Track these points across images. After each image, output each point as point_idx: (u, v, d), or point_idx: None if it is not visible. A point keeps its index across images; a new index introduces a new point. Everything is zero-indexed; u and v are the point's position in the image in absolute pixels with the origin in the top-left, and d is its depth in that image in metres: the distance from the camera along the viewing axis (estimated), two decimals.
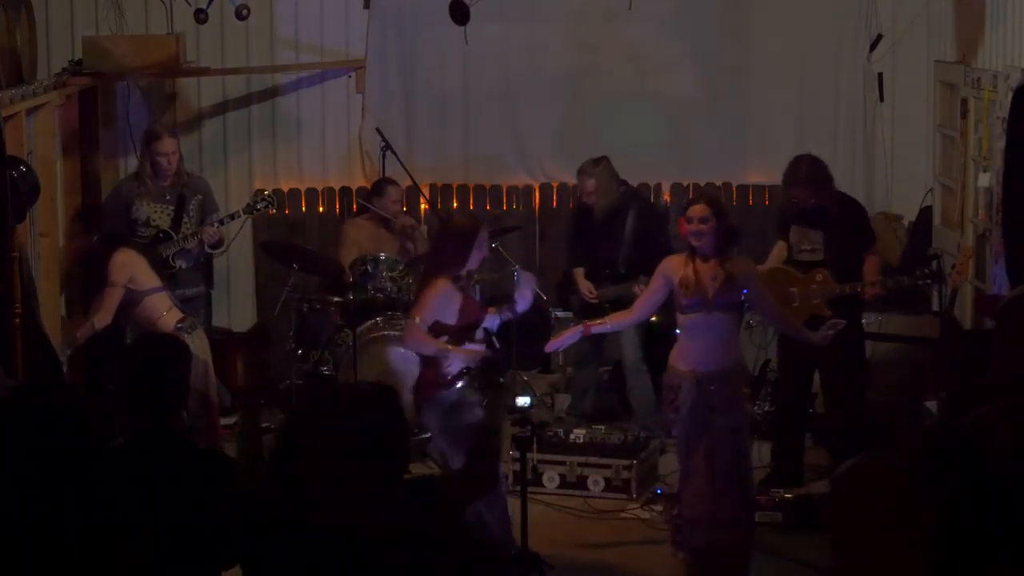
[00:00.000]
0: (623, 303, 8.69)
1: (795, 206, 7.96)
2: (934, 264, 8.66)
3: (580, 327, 7.11)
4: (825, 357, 7.57)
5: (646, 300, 6.92)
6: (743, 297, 6.67)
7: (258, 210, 8.98)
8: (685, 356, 6.68)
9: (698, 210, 6.66)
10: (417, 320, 6.57)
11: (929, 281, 7.94)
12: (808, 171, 7.90)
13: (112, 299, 7.55)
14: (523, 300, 6.83)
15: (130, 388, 4.31)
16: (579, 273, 8.94)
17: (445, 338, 6.57)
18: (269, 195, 9.11)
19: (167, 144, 8.66)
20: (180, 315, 7.72)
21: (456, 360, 6.54)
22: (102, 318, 7.58)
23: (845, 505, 3.21)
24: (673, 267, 6.73)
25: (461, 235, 6.67)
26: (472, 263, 6.67)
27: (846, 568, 3.19)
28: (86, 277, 8.06)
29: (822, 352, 7.24)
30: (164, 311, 7.61)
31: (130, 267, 7.62)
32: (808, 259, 7.90)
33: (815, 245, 7.90)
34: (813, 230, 7.89)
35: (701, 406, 6.59)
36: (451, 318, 6.56)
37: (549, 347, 7.34)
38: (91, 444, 3.84)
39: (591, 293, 8.81)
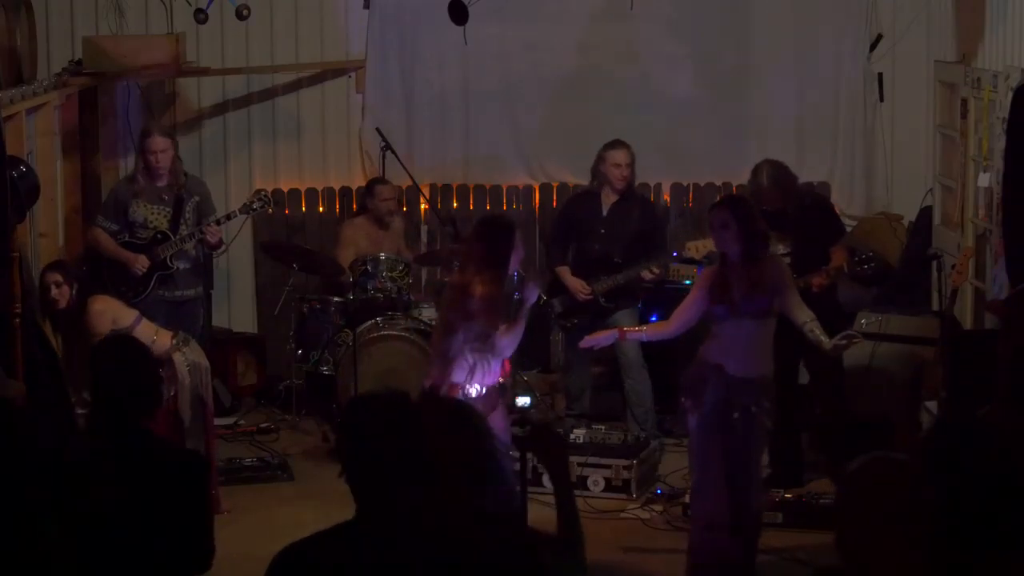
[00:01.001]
0: (618, 293, 8.68)
1: (765, 212, 7.94)
2: (933, 264, 8.66)
3: (615, 331, 7.12)
4: (805, 356, 7.59)
5: (684, 311, 6.78)
6: (773, 302, 6.60)
7: (255, 210, 8.97)
8: (715, 354, 6.62)
9: (717, 215, 6.62)
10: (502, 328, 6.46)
11: (866, 267, 7.86)
12: (771, 177, 7.90)
13: None
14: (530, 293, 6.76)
15: (102, 392, 4.30)
16: (564, 272, 8.80)
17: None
18: (266, 195, 9.11)
19: (157, 142, 8.62)
20: (169, 333, 7.72)
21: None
22: None
23: (851, 504, 3.21)
24: (707, 275, 6.72)
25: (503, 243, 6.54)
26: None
27: (850, 567, 3.18)
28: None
29: (800, 351, 7.20)
30: (154, 336, 7.59)
31: (109, 313, 7.66)
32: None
33: (788, 248, 7.91)
34: (783, 232, 7.88)
35: (724, 405, 6.55)
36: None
37: (584, 343, 7.20)
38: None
39: (584, 290, 8.73)
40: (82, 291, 7.70)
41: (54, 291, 7.64)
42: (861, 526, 3.15)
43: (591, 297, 8.68)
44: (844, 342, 6.84)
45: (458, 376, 6.48)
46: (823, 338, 6.78)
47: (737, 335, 6.55)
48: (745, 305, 6.51)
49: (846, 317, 8.66)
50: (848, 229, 9.84)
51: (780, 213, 7.88)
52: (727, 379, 6.54)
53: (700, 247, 8.38)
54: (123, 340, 5.38)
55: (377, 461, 3.38)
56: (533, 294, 6.61)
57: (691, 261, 9.22)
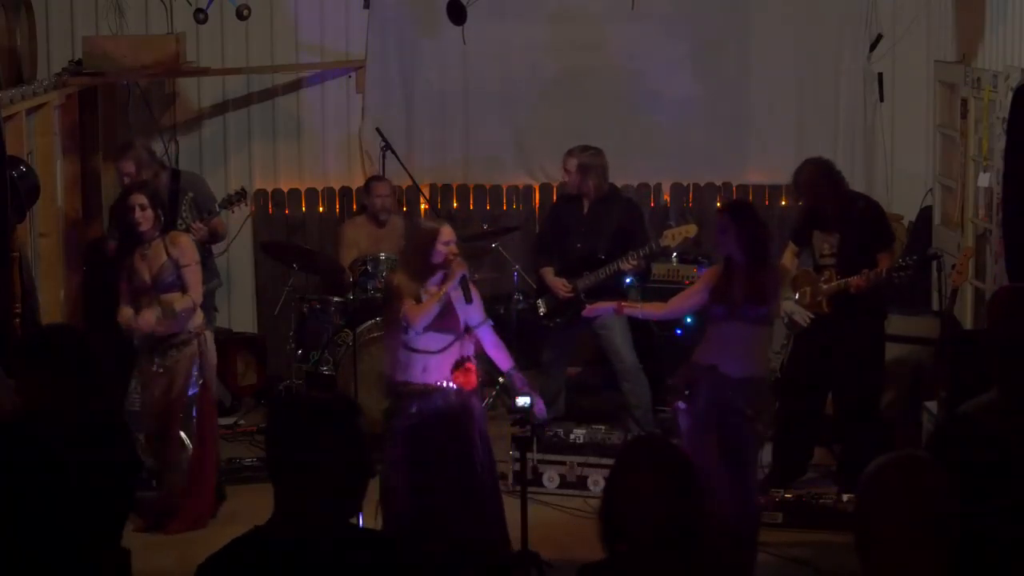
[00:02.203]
0: (600, 290, 8.67)
1: (811, 211, 7.95)
2: (933, 264, 8.66)
3: (613, 304, 7.38)
4: (842, 375, 7.64)
5: (682, 299, 6.97)
6: (771, 310, 6.68)
7: (233, 202, 8.89)
8: (709, 355, 6.66)
9: (718, 219, 6.75)
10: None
11: (903, 274, 7.85)
12: (807, 177, 7.90)
13: (199, 274, 7.58)
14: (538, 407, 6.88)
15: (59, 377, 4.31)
16: (547, 272, 8.79)
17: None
18: (243, 190, 9.05)
19: (123, 166, 8.67)
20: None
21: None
22: (198, 295, 7.55)
23: (872, 504, 3.15)
24: (711, 274, 6.81)
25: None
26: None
27: (871, 570, 3.13)
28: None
29: (839, 371, 7.35)
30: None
31: (196, 247, 7.71)
32: (828, 263, 7.88)
33: (833, 248, 7.90)
34: (829, 234, 7.88)
35: (717, 406, 6.58)
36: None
37: (587, 312, 7.55)
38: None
39: (566, 288, 8.70)
40: (165, 228, 7.64)
41: (138, 213, 7.49)
42: (883, 527, 3.10)
43: (572, 295, 8.69)
44: (787, 323, 6.97)
45: (408, 373, 6.68)
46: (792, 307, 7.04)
47: (733, 337, 6.58)
48: (745, 310, 6.55)
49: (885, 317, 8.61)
50: None
51: (822, 211, 7.86)
52: (721, 380, 6.56)
53: (676, 235, 8.40)
54: (63, 328, 5.45)
55: (300, 466, 3.36)
56: (456, 276, 6.73)
57: (695, 261, 9.23)
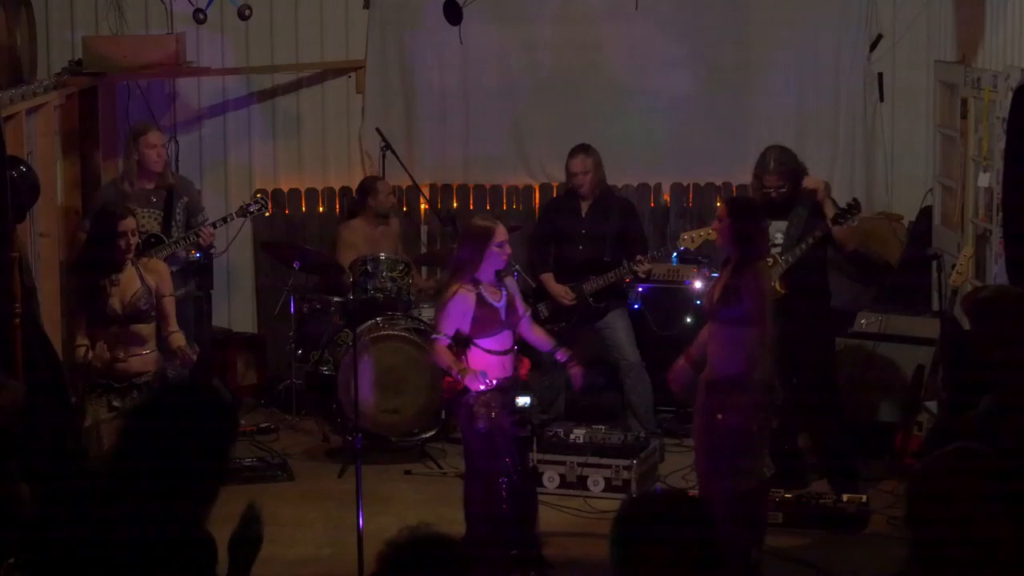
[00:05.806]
0: (608, 293, 8.67)
1: (765, 200, 7.90)
2: (933, 264, 8.66)
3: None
4: (794, 358, 7.59)
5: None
6: (743, 312, 6.52)
7: (252, 212, 8.93)
8: (705, 354, 6.71)
9: (718, 209, 6.79)
10: (434, 336, 6.76)
11: (845, 218, 7.83)
12: (777, 159, 7.89)
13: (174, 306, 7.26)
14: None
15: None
16: (548, 278, 8.78)
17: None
18: (263, 197, 9.08)
19: (155, 136, 8.58)
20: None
21: (474, 379, 6.65)
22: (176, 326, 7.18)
23: (927, 498, 3.12)
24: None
25: (473, 238, 6.75)
26: (488, 266, 6.71)
27: (925, 562, 3.10)
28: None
29: (791, 352, 7.28)
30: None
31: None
32: (774, 250, 7.87)
33: (781, 233, 7.89)
34: (780, 221, 7.87)
35: (703, 410, 6.62)
36: (466, 325, 6.65)
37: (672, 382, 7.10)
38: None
39: (568, 296, 8.71)
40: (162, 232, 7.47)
41: (125, 241, 6.99)
42: (937, 520, 3.06)
43: (575, 302, 8.67)
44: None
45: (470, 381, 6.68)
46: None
47: (712, 337, 6.63)
48: (719, 311, 6.56)
49: (845, 317, 8.65)
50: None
51: (782, 201, 7.84)
52: (705, 382, 6.61)
53: (695, 237, 8.39)
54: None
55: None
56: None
57: (695, 261, 9.22)
